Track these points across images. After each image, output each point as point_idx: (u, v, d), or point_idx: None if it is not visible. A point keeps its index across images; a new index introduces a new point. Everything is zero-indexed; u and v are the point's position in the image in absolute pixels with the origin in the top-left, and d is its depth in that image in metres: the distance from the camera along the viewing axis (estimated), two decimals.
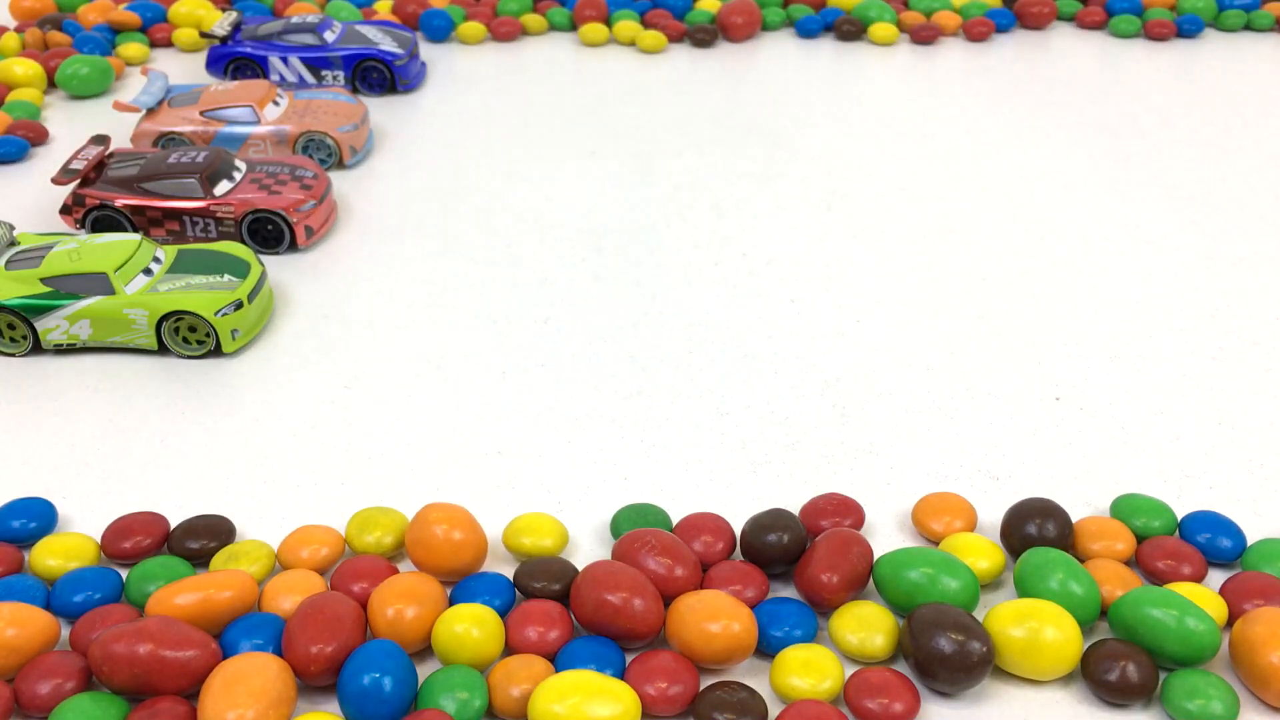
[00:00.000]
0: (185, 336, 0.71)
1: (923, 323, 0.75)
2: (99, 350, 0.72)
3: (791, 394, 0.68)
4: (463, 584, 0.54)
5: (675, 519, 0.59)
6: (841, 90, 1.08)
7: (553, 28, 1.22)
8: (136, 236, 0.73)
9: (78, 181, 0.82)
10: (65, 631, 0.53)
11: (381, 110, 1.05)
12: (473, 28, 1.19)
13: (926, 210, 0.88)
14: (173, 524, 0.59)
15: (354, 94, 1.03)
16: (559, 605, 0.53)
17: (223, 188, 0.82)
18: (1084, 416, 0.67)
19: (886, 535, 0.59)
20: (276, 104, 0.95)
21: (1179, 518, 0.59)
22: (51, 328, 0.70)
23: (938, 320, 0.75)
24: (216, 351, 0.71)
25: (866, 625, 0.51)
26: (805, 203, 0.89)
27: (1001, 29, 1.20)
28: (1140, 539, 0.57)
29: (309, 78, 1.07)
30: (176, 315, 0.70)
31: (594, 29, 1.19)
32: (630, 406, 0.68)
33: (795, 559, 0.55)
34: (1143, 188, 0.91)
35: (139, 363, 0.71)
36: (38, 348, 0.72)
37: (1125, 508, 0.59)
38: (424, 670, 0.51)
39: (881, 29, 1.17)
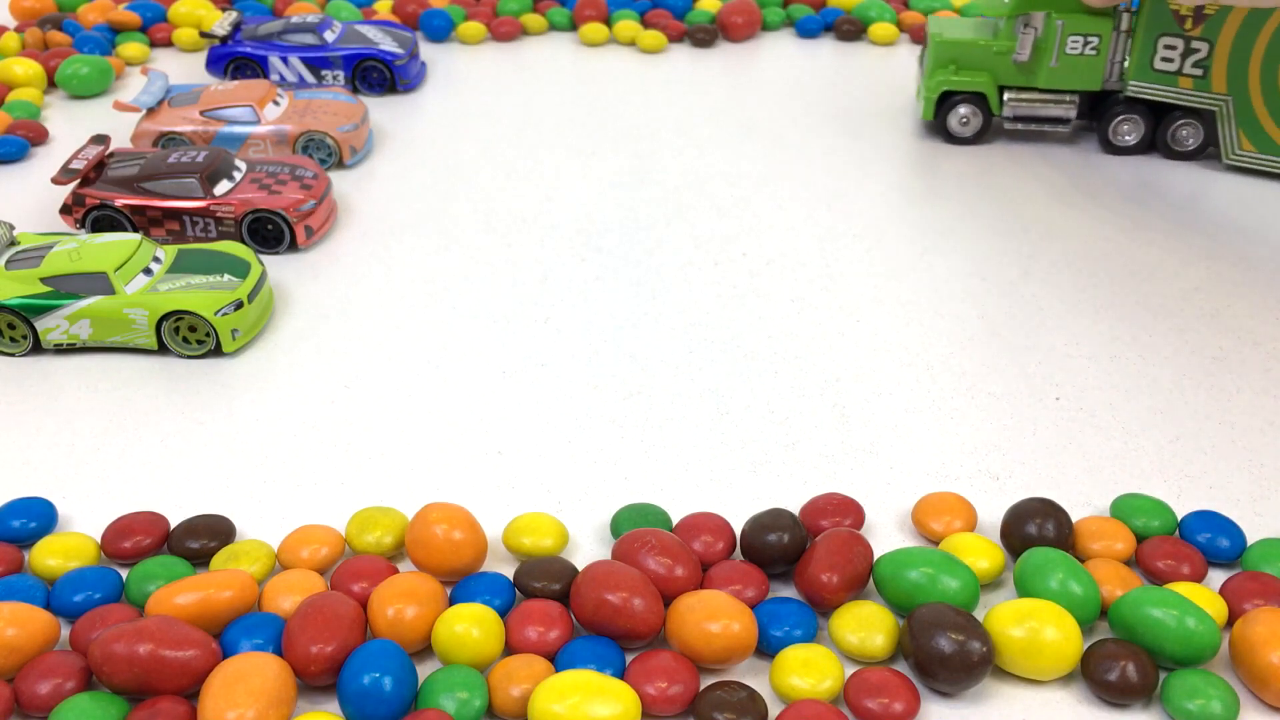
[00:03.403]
0: (185, 336, 0.71)
1: (923, 323, 0.75)
2: (99, 350, 0.72)
3: (791, 394, 0.68)
4: (463, 584, 0.54)
5: (675, 519, 0.59)
6: (841, 90, 1.08)
7: (553, 28, 1.22)
8: (136, 236, 0.74)
9: (78, 181, 0.82)
10: (65, 631, 0.53)
11: (381, 110, 1.05)
12: (473, 28, 1.19)
13: (926, 209, 0.88)
14: (173, 524, 0.59)
15: (354, 94, 1.03)
16: (559, 605, 0.53)
17: (223, 187, 0.82)
18: (1084, 416, 0.67)
19: (886, 535, 0.59)
20: (276, 104, 0.95)
21: (1179, 518, 0.59)
22: (51, 327, 0.70)
23: (938, 320, 0.75)
24: (216, 351, 0.71)
25: (866, 625, 0.51)
26: (805, 203, 0.89)
27: None
28: (1140, 539, 0.57)
29: (309, 78, 1.07)
30: (176, 315, 0.70)
31: (594, 29, 1.19)
32: (630, 406, 0.68)
33: (795, 559, 0.55)
34: (1139, 188, 0.91)
35: (139, 363, 0.71)
36: (38, 348, 0.72)
37: (1125, 508, 0.59)
38: (424, 670, 0.51)
39: (881, 29, 1.17)
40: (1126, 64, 0.90)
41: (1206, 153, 0.94)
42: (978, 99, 0.94)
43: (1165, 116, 0.92)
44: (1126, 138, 0.93)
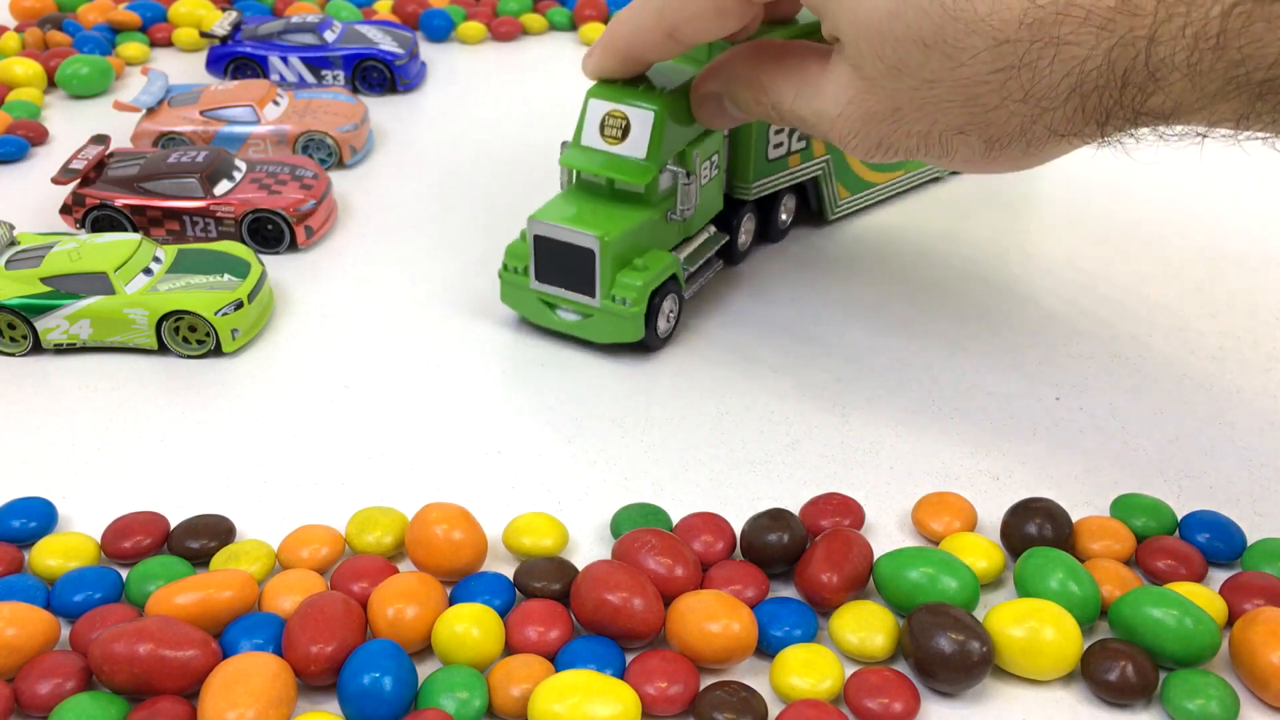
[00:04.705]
0: (185, 336, 0.71)
1: (923, 323, 0.75)
2: (99, 350, 0.72)
3: (791, 394, 0.68)
4: (463, 584, 0.54)
5: (675, 519, 0.59)
6: None
7: (553, 27, 1.22)
8: (136, 236, 0.74)
9: (78, 181, 0.82)
10: (65, 631, 0.53)
11: (381, 110, 1.05)
12: (473, 28, 1.19)
13: (936, 208, 0.88)
14: (173, 524, 0.59)
15: (354, 94, 1.03)
16: (559, 605, 0.53)
17: (223, 187, 0.82)
18: (1084, 416, 0.66)
19: (886, 535, 0.59)
20: (276, 104, 0.95)
21: (1179, 518, 0.59)
22: (51, 327, 0.70)
23: (938, 320, 0.75)
24: (216, 351, 0.71)
25: (866, 625, 0.51)
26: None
27: None
28: (1140, 539, 0.57)
29: (309, 77, 1.07)
30: (176, 315, 0.70)
31: (594, 29, 1.19)
32: (630, 406, 0.68)
33: (795, 559, 0.55)
34: (1139, 188, 0.91)
35: (139, 363, 0.71)
36: (38, 348, 0.72)
37: (1125, 508, 0.59)
38: (424, 670, 0.51)
39: None
40: (740, 168, 0.78)
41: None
42: (671, 283, 0.71)
43: (769, 200, 0.81)
44: (746, 238, 0.80)
